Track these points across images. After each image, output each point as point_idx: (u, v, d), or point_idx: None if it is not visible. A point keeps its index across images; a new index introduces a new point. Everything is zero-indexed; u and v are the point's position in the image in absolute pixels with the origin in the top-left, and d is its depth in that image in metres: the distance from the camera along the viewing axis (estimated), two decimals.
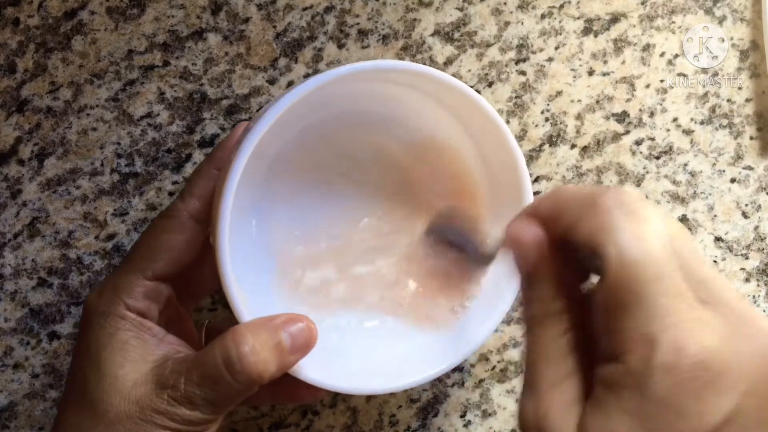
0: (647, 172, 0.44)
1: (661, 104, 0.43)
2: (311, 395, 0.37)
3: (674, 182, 0.44)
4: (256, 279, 0.36)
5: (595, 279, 0.25)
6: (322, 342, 0.33)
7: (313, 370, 0.33)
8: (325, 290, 0.39)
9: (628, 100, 0.43)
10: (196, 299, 0.39)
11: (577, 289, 0.26)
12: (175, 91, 0.41)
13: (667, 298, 0.22)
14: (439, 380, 0.43)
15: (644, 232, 0.23)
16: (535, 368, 0.25)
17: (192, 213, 0.33)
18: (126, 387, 0.30)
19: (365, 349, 0.37)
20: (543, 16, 0.43)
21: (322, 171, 0.39)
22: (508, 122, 0.42)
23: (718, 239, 0.44)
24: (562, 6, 0.43)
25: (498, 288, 0.37)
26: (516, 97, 0.43)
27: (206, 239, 0.34)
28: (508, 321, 0.43)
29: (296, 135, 0.37)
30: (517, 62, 0.43)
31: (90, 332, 0.32)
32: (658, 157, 0.44)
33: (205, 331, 0.36)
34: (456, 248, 0.37)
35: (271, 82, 0.41)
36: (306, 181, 0.39)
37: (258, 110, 0.41)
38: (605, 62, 0.43)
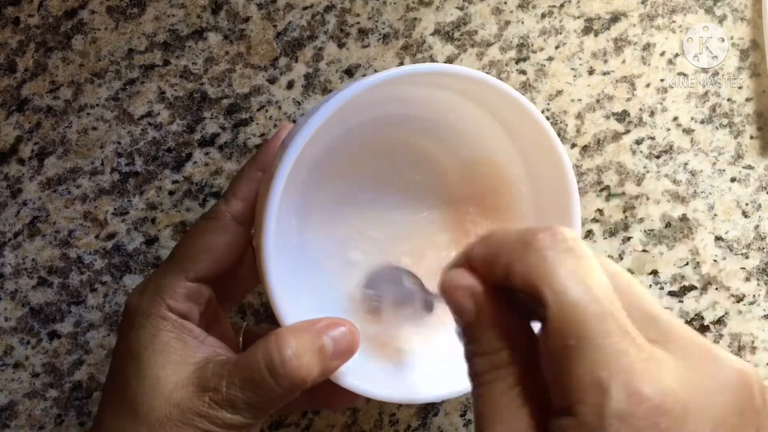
0: (647, 172, 0.44)
1: (661, 103, 0.43)
2: (348, 401, 0.37)
3: (674, 181, 0.44)
4: (296, 282, 0.35)
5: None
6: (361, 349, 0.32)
7: (353, 377, 0.32)
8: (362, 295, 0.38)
9: (628, 100, 0.43)
10: (234, 301, 0.38)
11: (525, 333, 0.24)
12: (175, 90, 0.41)
13: (613, 339, 0.21)
14: None
15: (582, 271, 0.22)
16: (487, 426, 0.23)
17: (235, 215, 0.33)
18: (167, 389, 0.30)
19: (403, 358, 0.37)
20: (543, 16, 0.43)
21: (363, 174, 0.38)
22: None
23: (718, 238, 0.44)
24: (562, 5, 0.43)
25: None
26: None
27: (248, 241, 0.34)
28: None
29: (339, 137, 0.37)
30: (517, 61, 0.43)
31: (131, 332, 0.31)
32: (658, 157, 0.44)
33: (243, 335, 0.36)
34: (400, 301, 0.36)
35: (272, 81, 0.41)
36: (347, 183, 0.38)
37: (302, 114, 0.41)
38: (605, 61, 0.43)
